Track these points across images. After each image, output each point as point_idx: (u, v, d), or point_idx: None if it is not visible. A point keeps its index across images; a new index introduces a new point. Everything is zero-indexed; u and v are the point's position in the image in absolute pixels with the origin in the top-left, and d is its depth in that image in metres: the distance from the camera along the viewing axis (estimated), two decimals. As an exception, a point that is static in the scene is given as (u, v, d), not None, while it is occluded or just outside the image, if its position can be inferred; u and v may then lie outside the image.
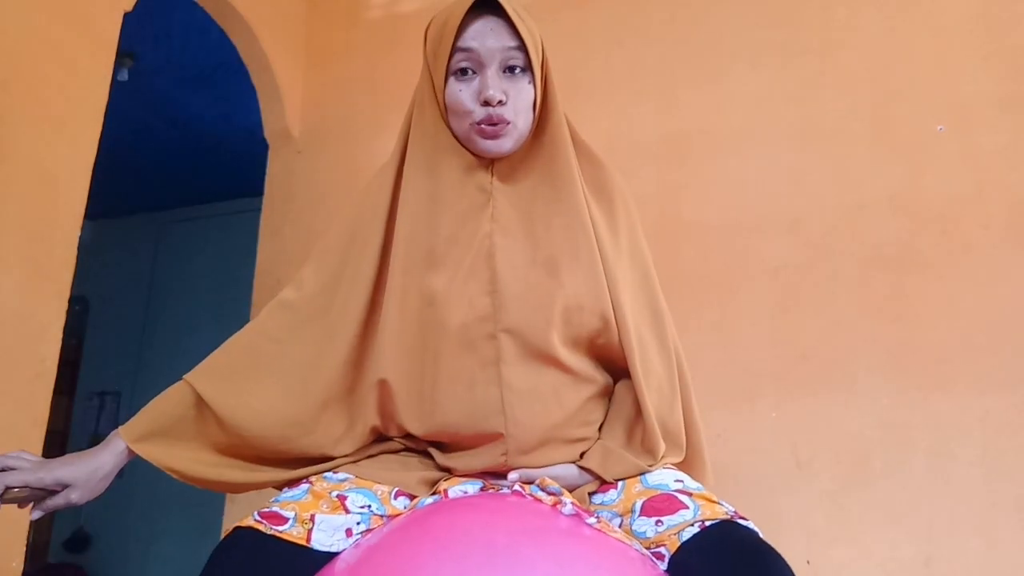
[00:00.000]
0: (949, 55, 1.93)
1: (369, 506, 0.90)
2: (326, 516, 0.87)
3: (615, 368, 1.01)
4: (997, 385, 1.71)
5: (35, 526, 1.61)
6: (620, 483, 0.95)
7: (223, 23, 2.46)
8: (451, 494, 0.92)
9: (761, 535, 0.82)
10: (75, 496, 0.91)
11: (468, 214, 0.99)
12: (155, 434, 0.96)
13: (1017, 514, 1.64)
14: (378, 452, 1.01)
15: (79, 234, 1.76)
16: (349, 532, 0.88)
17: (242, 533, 0.82)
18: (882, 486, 1.74)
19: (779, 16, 2.12)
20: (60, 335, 1.70)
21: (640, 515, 0.88)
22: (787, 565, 0.77)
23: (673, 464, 1.00)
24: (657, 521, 0.86)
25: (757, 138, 2.06)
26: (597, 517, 0.86)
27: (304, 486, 0.92)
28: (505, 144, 0.97)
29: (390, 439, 1.01)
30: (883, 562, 1.69)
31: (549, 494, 0.89)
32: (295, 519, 0.85)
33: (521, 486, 0.91)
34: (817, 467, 1.80)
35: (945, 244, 1.83)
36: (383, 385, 0.97)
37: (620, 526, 0.90)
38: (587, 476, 0.97)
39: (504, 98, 0.94)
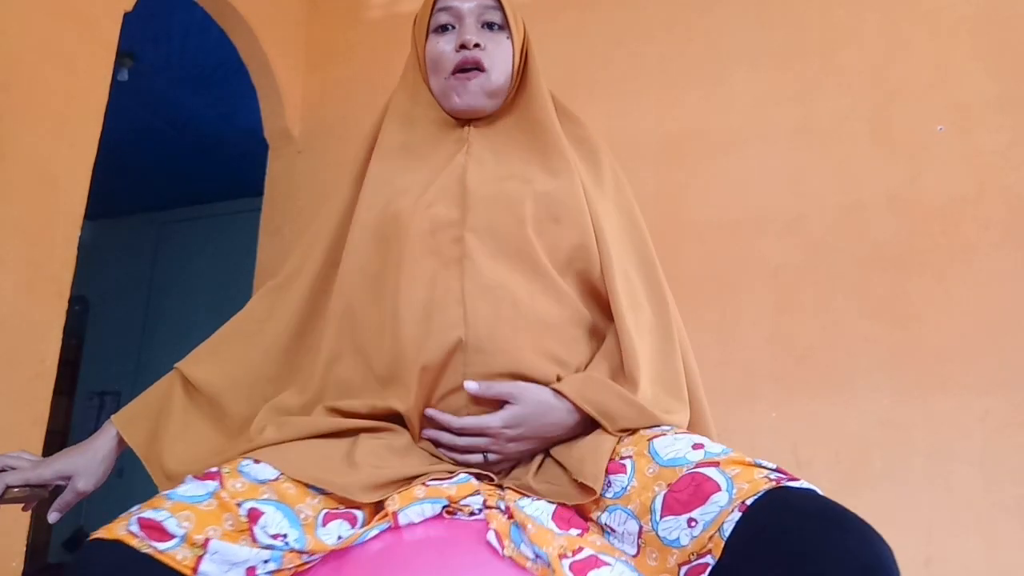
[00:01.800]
0: (949, 55, 1.93)
1: (285, 536, 0.71)
2: (225, 544, 0.68)
3: (603, 308, 0.92)
4: (997, 385, 1.71)
5: (35, 526, 1.60)
6: (628, 464, 0.77)
7: (223, 23, 2.46)
8: (401, 519, 0.74)
9: (820, 493, 0.65)
10: (81, 484, 0.90)
11: (442, 160, 0.98)
12: (142, 416, 0.95)
13: (1017, 514, 1.64)
14: (329, 431, 0.85)
15: (79, 234, 1.76)
16: (251, 572, 0.69)
17: (106, 548, 0.66)
18: (882, 486, 1.74)
19: (779, 16, 2.12)
20: (60, 335, 1.70)
21: (664, 514, 0.70)
22: (868, 530, 0.61)
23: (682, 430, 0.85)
24: (690, 521, 0.67)
25: (757, 138, 2.06)
26: None
27: (211, 485, 0.72)
28: (478, 93, 0.97)
29: (353, 413, 0.89)
30: (883, 562, 1.68)
31: (536, 557, 0.69)
32: (184, 538, 0.67)
33: (498, 535, 0.73)
34: (817, 467, 1.80)
35: (945, 244, 1.83)
36: (348, 311, 0.93)
37: (640, 533, 0.72)
38: (563, 402, 0.83)
39: (480, 43, 0.96)
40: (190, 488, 0.72)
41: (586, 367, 0.89)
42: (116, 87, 2.02)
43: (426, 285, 0.87)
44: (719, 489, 0.67)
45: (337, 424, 0.86)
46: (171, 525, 0.67)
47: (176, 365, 0.98)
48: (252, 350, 0.98)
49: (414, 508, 0.75)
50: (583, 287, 0.92)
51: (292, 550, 0.71)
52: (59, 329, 1.70)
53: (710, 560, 0.64)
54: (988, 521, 1.65)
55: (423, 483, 0.79)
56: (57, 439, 4.05)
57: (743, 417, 1.88)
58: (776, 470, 0.69)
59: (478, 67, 0.97)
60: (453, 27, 0.99)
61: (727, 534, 0.63)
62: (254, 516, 0.70)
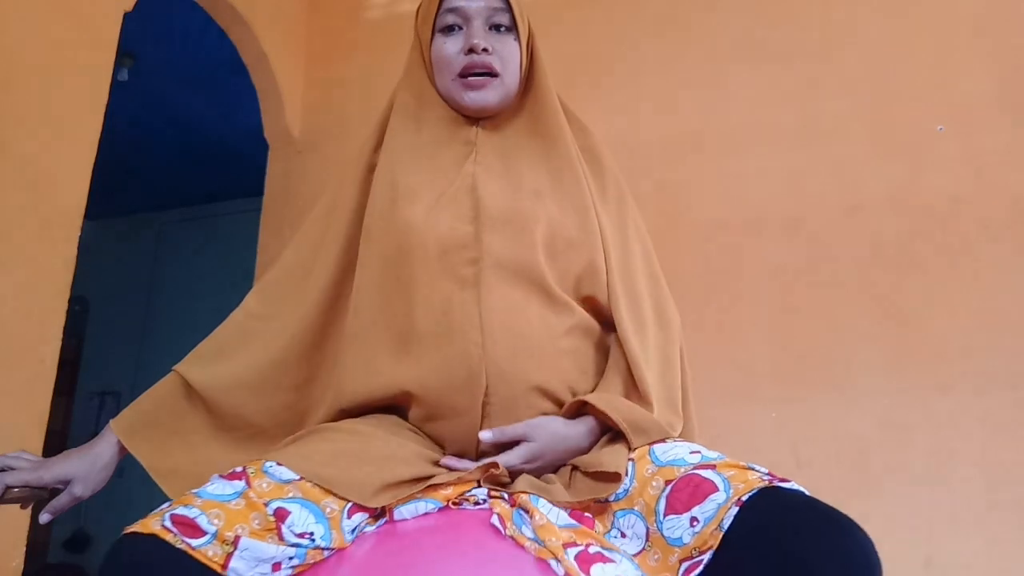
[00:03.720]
0: (949, 55, 1.93)
1: (312, 535, 0.73)
2: (254, 542, 0.70)
3: (612, 322, 0.94)
4: (997, 385, 1.71)
5: (35, 526, 1.60)
6: (629, 466, 0.81)
7: (223, 23, 2.45)
8: (396, 516, 0.78)
9: (808, 493, 0.70)
10: (78, 490, 0.90)
11: (451, 165, 0.97)
12: (144, 424, 0.95)
13: (1017, 514, 1.64)
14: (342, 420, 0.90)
15: (79, 234, 1.76)
16: (277, 567, 0.72)
17: (142, 543, 0.67)
18: (882, 486, 1.74)
19: (779, 16, 2.12)
20: (60, 335, 1.70)
21: (667, 513, 0.73)
22: (852, 525, 0.65)
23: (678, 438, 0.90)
24: (692, 520, 0.71)
25: (757, 138, 2.06)
26: None
27: (239, 485, 0.74)
28: (490, 96, 0.97)
29: (364, 412, 0.92)
30: (883, 562, 1.68)
31: (536, 536, 0.72)
32: (214, 536, 0.69)
33: (502, 519, 0.76)
34: (817, 467, 1.80)
35: (945, 244, 1.83)
36: (358, 323, 0.92)
37: (648, 535, 0.75)
38: (576, 428, 0.86)
39: (489, 48, 0.95)
40: (218, 487, 0.74)
41: (598, 380, 0.92)
42: (116, 87, 2.02)
43: (443, 308, 0.88)
44: (717, 489, 0.72)
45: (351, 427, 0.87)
46: (203, 522, 0.69)
47: (176, 368, 0.97)
48: (262, 353, 0.96)
49: (408, 506, 0.79)
50: (592, 304, 0.95)
51: (317, 548, 0.74)
52: (59, 329, 1.70)
53: (710, 556, 0.68)
54: (988, 521, 1.65)
55: (429, 485, 0.81)
56: (57, 439, 4.06)
57: (743, 417, 1.87)
58: (768, 473, 0.73)
59: (490, 72, 0.96)
60: (460, 28, 0.98)
61: (726, 527, 0.67)
62: (281, 515, 0.72)
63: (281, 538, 0.72)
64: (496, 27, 0.98)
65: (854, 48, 2.03)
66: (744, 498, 0.68)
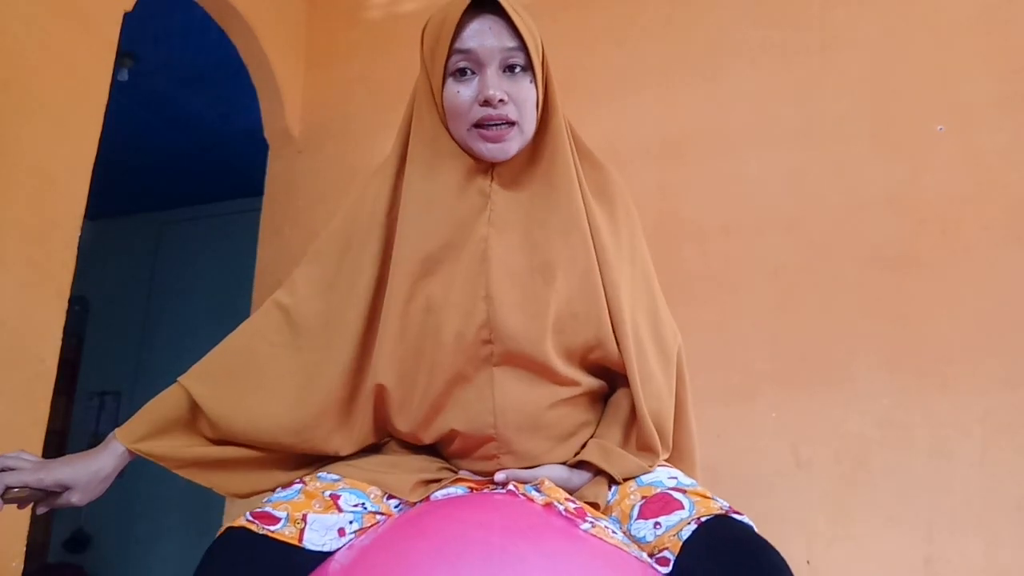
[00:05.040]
0: (949, 55, 1.93)
1: (363, 504, 0.90)
2: (319, 515, 0.86)
3: (612, 375, 1.01)
4: (997, 385, 1.71)
5: (35, 526, 1.60)
6: (614, 486, 0.95)
7: (223, 23, 2.46)
8: (432, 498, 0.93)
9: (755, 529, 0.83)
10: (75, 498, 0.91)
11: (466, 218, 0.97)
12: (152, 437, 0.95)
13: (1017, 514, 1.64)
14: (372, 454, 1.02)
15: (79, 234, 1.76)
16: (342, 532, 0.87)
17: (234, 533, 0.82)
18: (882, 486, 1.74)
19: (779, 16, 2.12)
20: (60, 335, 1.70)
21: (638, 518, 0.88)
22: (781, 559, 0.78)
23: (664, 462, 1.01)
24: (655, 524, 0.85)
25: (757, 138, 2.06)
26: (592, 522, 0.85)
27: (297, 486, 0.92)
28: (510, 148, 0.94)
29: (387, 441, 1.04)
30: (883, 562, 1.68)
31: (542, 493, 0.89)
32: (287, 519, 0.84)
33: (516, 486, 0.91)
34: (817, 467, 1.80)
35: (945, 244, 1.83)
36: (380, 390, 0.96)
37: (623, 532, 0.90)
38: (580, 475, 0.97)
39: (505, 97, 0.91)
40: (280, 493, 0.92)
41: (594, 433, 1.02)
42: (116, 87, 2.02)
43: (460, 388, 0.95)
44: (683, 507, 0.86)
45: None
46: (277, 512, 0.85)
47: (181, 381, 0.97)
48: (273, 392, 0.97)
49: (441, 492, 0.94)
50: (594, 363, 0.99)
51: (370, 512, 0.90)
52: (59, 329, 1.70)
53: (668, 555, 0.82)
54: (988, 521, 1.65)
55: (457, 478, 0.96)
56: (57, 439, 4.06)
57: (743, 417, 1.88)
58: (728, 507, 0.86)
59: (508, 123, 0.93)
60: (472, 72, 0.93)
61: (684, 537, 0.81)
62: (335, 498, 0.89)
63: (340, 509, 0.88)
64: (511, 67, 0.93)
65: (854, 48, 2.03)
66: (703, 519, 0.82)
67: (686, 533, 0.81)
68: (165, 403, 0.97)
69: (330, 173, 2.56)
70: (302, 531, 0.84)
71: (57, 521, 4.11)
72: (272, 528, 0.83)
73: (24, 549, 1.59)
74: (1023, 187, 1.80)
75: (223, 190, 4.26)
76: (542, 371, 0.94)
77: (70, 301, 1.74)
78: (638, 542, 0.86)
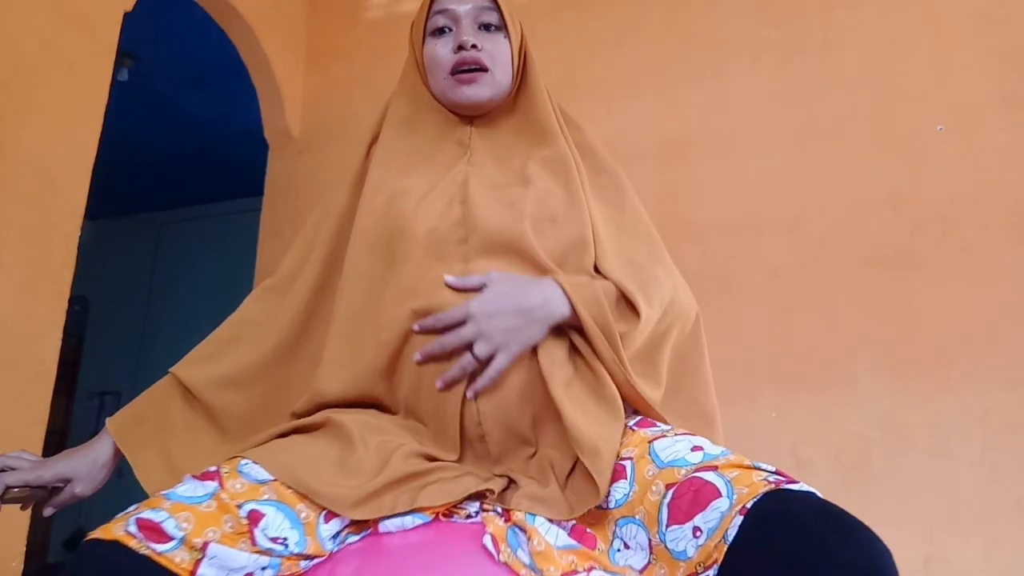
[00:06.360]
0: (949, 55, 1.93)
1: (285, 540, 0.71)
2: (223, 548, 0.68)
3: None
4: (997, 385, 1.71)
5: (35, 526, 1.60)
6: (628, 466, 0.78)
7: (223, 23, 2.46)
8: (381, 528, 0.75)
9: (819, 495, 0.66)
10: (79, 489, 0.90)
11: (444, 163, 0.98)
12: (134, 421, 0.95)
13: (1017, 514, 1.64)
14: (311, 424, 0.87)
15: (79, 234, 1.76)
16: None
17: (104, 550, 0.65)
18: (882, 486, 1.74)
19: (779, 16, 2.12)
20: (60, 335, 1.70)
21: (670, 523, 0.70)
22: (867, 533, 0.62)
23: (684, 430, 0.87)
24: (695, 530, 0.67)
25: (757, 138, 2.06)
26: None
27: (211, 486, 0.72)
28: (482, 91, 0.97)
29: (354, 405, 0.90)
30: (883, 562, 1.68)
31: (533, 569, 0.68)
32: (183, 541, 0.66)
33: (495, 542, 0.72)
34: (817, 467, 1.80)
35: (945, 244, 1.83)
36: (345, 315, 0.92)
37: (651, 546, 0.72)
38: (550, 281, 0.86)
39: (478, 43, 0.96)
40: (189, 488, 0.72)
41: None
42: (116, 87, 2.02)
43: (431, 286, 0.87)
44: (719, 495, 0.67)
45: (324, 417, 0.86)
46: (170, 527, 0.66)
47: (172, 370, 0.98)
48: (250, 355, 0.97)
49: (394, 520, 0.75)
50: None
51: (292, 555, 0.71)
52: (59, 329, 1.70)
53: (715, 571, 0.64)
54: (988, 521, 1.65)
55: (415, 489, 0.76)
56: (57, 439, 4.06)
57: (743, 417, 1.87)
58: (775, 472, 0.69)
59: (480, 67, 0.97)
60: (450, 30, 0.99)
61: (731, 539, 0.63)
62: (255, 518, 0.70)
63: (254, 543, 0.69)
64: (485, 26, 0.99)
65: (854, 48, 2.03)
66: (748, 505, 0.64)
67: (733, 531, 0.63)
68: (152, 391, 0.98)
69: (330, 173, 2.56)
70: (197, 563, 0.66)
71: (57, 521, 4.11)
72: (159, 548, 0.65)
73: (24, 549, 1.59)
74: (1023, 187, 1.80)
75: (223, 190, 4.27)
76: (523, 257, 0.89)
77: (70, 301, 1.74)
78: (677, 559, 0.68)
